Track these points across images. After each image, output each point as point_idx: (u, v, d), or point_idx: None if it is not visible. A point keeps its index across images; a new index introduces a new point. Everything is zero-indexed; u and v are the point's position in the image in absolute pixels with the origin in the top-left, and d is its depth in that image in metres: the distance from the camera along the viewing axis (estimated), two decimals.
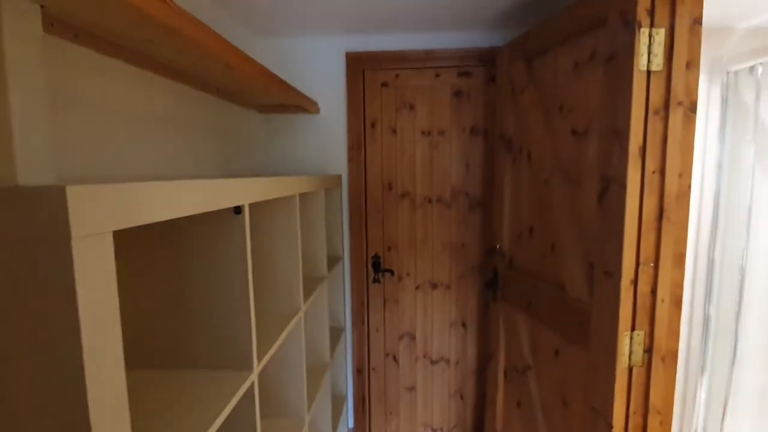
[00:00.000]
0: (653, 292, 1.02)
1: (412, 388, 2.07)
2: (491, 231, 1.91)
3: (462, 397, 2.06)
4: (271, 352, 0.91)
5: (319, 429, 1.59)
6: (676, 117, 0.96)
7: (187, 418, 0.66)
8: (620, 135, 1.00)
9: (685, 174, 0.98)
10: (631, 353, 1.03)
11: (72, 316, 0.38)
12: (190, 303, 0.80)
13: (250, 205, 1.10)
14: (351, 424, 2.10)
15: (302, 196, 1.54)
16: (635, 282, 1.02)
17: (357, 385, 2.06)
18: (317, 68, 1.90)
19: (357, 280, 2.00)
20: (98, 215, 0.41)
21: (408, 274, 2.00)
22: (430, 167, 1.94)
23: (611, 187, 1.04)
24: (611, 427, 1.05)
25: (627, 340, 1.03)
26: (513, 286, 1.57)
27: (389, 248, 1.99)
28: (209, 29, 0.91)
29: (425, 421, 2.08)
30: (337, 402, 1.96)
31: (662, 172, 0.98)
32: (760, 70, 1.52)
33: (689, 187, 0.99)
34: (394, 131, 1.93)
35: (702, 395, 1.72)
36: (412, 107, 1.91)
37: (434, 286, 2.00)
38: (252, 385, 0.81)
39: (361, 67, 1.89)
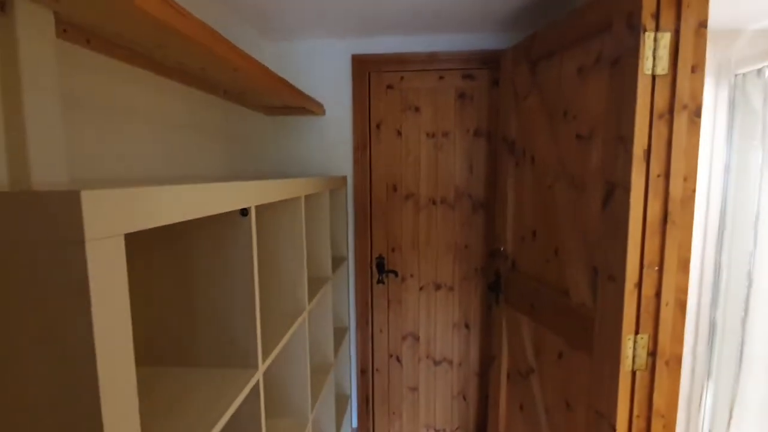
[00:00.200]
0: (657, 295, 1.02)
1: (415, 389, 2.08)
2: (494, 233, 1.91)
3: (465, 399, 2.06)
4: (276, 351, 0.92)
5: (323, 428, 1.61)
6: (680, 121, 0.96)
7: (193, 414, 0.67)
8: (625, 139, 1.00)
9: (690, 178, 0.98)
10: (634, 357, 1.03)
11: (85, 316, 0.40)
12: (197, 302, 0.81)
13: (257, 206, 1.12)
14: (355, 424, 2.11)
15: (307, 197, 1.55)
16: (639, 285, 1.02)
17: (361, 385, 2.07)
18: (323, 70, 1.92)
19: (361, 280, 2.01)
20: (111, 219, 0.42)
21: (412, 276, 2.01)
22: (434, 169, 1.95)
23: (615, 191, 1.04)
24: (615, 431, 1.05)
25: (631, 344, 1.03)
26: (516, 289, 1.57)
27: (393, 249, 2.00)
28: (219, 35, 0.93)
29: (428, 421, 2.09)
30: (341, 402, 1.97)
31: (667, 176, 0.98)
32: (767, 72, 1.51)
33: (694, 191, 0.99)
34: (399, 133, 1.94)
35: (708, 400, 1.71)
36: (416, 109, 1.92)
37: (438, 287, 2.01)
38: (257, 384, 0.83)
39: (366, 70, 1.90)
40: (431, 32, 1.82)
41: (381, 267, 2.01)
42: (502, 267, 1.68)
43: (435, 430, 2.09)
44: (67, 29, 0.77)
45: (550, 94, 1.35)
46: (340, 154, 1.96)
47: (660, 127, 0.97)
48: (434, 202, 1.96)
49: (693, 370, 1.71)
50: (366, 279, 2.01)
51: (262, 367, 0.84)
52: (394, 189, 1.97)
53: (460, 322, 2.02)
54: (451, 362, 2.05)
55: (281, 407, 1.21)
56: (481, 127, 1.90)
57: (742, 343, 1.61)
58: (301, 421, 1.20)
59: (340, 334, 1.91)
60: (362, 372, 2.06)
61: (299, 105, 1.67)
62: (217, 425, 0.65)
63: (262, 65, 1.19)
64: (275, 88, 1.34)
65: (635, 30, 0.96)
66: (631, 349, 1.03)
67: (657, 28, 0.95)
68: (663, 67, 0.95)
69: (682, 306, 1.02)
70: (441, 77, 1.89)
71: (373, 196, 1.98)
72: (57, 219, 0.38)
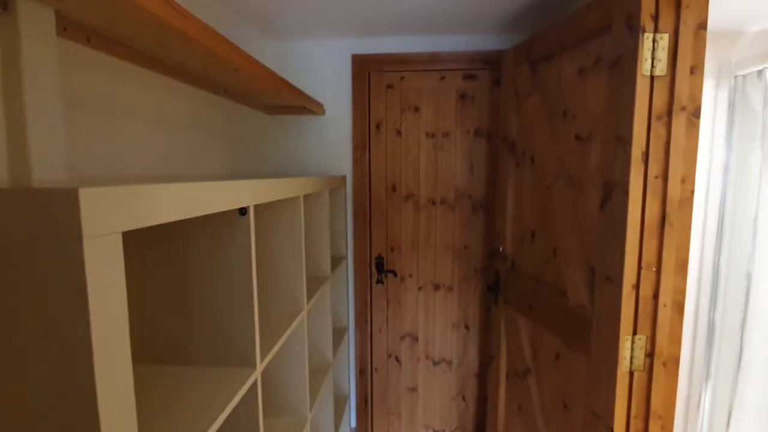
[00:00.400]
0: (655, 296, 1.02)
1: (414, 389, 2.08)
2: (494, 233, 1.91)
3: (464, 399, 2.06)
4: (274, 350, 0.93)
5: (321, 428, 1.61)
6: (679, 122, 0.96)
7: (190, 413, 0.67)
8: (623, 140, 1.00)
9: (688, 179, 0.98)
10: (632, 357, 1.03)
11: (83, 313, 0.40)
12: (195, 301, 0.81)
13: (255, 205, 1.12)
14: (353, 424, 2.11)
15: (306, 196, 1.55)
16: (637, 287, 1.02)
17: (359, 385, 2.07)
18: (324, 70, 1.92)
19: (360, 280, 2.01)
20: (109, 216, 0.42)
21: (411, 276, 2.01)
22: (434, 169, 1.95)
23: (614, 193, 1.04)
24: None
25: (628, 344, 1.03)
26: (515, 289, 1.57)
27: (392, 249, 2.00)
28: (221, 36, 0.93)
29: (427, 422, 2.09)
30: (340, 402, 1.97)
31: (665, 178, 0.98)
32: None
33: (692, 192, 0.99)
34: (399, 133, 1.94)
35: (706, 402, 1.71)
36: (417, 109, 1.92)
37: (437, 287, 2.01)
38: (255, 383, 0.83)
39: (366, 69, 1.90)
40: (433, 33, 1.82)
41: (380, 267, 2.01)
42: (502, 267, 1.68)
43: (434, 430, 2.09)
44: (67, 27, 0.77)
45: (550, 94, 1.35)
46: (340, 154, 1.97)
47: (658, 129, 0.97)
48: (434, 203, 1.96)
49: (691, 372, 1.71)
50: (365, 279, 2.01)
51: (260, 367, 0.84)
52: (394, 189, 1.97)
53: (459, 322, 2.02)
54: (450, 362, 2.05)
55: (279, 407, 1.21)
56: (481, 128, 1.90)
57: (741, 345, 1.61)
58: (300, 421, 1.21)
59: (338, 333, 1.91)
60: (361, 372, 2.06)
61: (299, 104, 1.68)
62: (215, 424, 0.65)
63: (263, 65, 1.19)
64: (276, 88, 1.34)
65: (634, 31, 0.96)
66: (629, 350, 1.03)
67: (656, 29, 0.95)
68: (662, 68, 0.95)
69: (679, 307, 1.02)
70: (442, 77, 1.89)
71: (372, 196, 1.98)
72: (55, 216, 0.39)
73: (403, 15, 1.61)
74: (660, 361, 1.03)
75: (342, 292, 1.96)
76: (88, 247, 0.39)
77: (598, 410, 1.11)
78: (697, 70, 0.96)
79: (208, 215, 0.79)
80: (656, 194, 0.99)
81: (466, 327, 2.02)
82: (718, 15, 1.43)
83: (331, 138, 1.96)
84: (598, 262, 1.10)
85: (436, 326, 2.04)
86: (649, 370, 1.04)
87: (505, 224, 1.65)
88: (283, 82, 1.36)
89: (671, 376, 1.04)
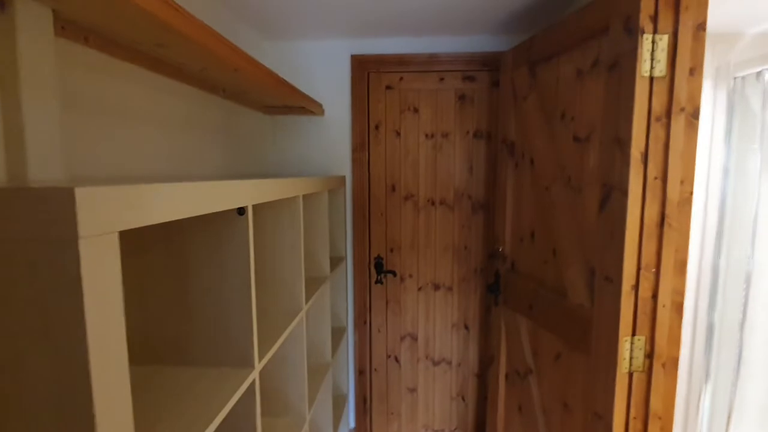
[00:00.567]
0: (654, 297, 1.02)
1: (413, 390, 2.08)
2: (494, 234, 1.91)
3: (464, 399, 2.06)
4: (273, 350, 0.92)
5: (320, 428, 1.60)
6: (678, 123, 0.96)
7: (188, 414, 0.67)
8: (622, 141, 1.00)
9: (688, 181, 0.98)
10: (631, 358, 1.03)
11: (78, 313, 0.40)
12: (193, 301, 0.81)
13: (254, 205, 1.12)
14: (352, 425, 2.11)
15: (306, 196, 1.55)
16: (636, 287, 1.02)
17: (358, 385, 2.07)
18: (323, 70, 1.92)
19: (359, 280, 2.01)
20: (105, 216, 0.42)
21: (410, 276, 2.01)
22: (433, 170, 1.95)
23: (613, 194, 1.04)
24: None
25: (628, 345, 1.03)
26: (515, 290, 1.57)
27: (392, 250, 2.00)
28: (220, 35, 0.93)
29: (426, 422, 2.09)
30: (339, 402, 1.97)
31: (664, 179, 0.98)
32: (767, 76, 1.51)
33: (691, 193, 0.99)
34: (398, 133, 1.94)
35: (706, 403, 1.71)
36: (416, 110, 1.92)
37: (436, 287, 2.01)
38: (253, 383, 0.83)
39: (366, 70, 1.90)
40: (432, 34, 1.82)
41: (379, 267, 2.01)
42: (501, 268, 1.68)
43: (433, 430, 2.09)
44: (65, 27, 0.77)
45: (549, 96, 1.35)
46: (339, 154, 1.97)
47: (657, 130, 0.97)
48: (433, 203, 1.96)
49: (691, 373, 1.70)
50: (364, 279, 2.01)
51: (258, 366, 0.84)
52: (393, 189, 1.97)
53: (459, 322, 2.02)
54: (449, 363, 2.05)
55: (278, 407, 1.21)
56: (481, 129, 1.91)
57: (741, 347, 1.61)
58: (298, 421, 1.20)
59: (338, 333, 1.90)
60: (360, 372, 2.06)
61: (298, 105, 1.68)
62: (212, 424, 0.65)
63: (262, 65, 1.19)
64: (275, 88, 1.34)
65: (633, 32, 0.96)
66: (628, 350, 1.03)
67: (655, 31, 0.95)
68: (661, 69, 0.95)
69: (679, 308, 1.02)
70: (441, 78, 1.89)
71: (371, 197, 1.98)
72: (51, 215, 0.38)
73: (403, 16, 1.61)
74: (659, 362, 1.03)
75: (341, 292, 1.96)
76: (84, 247, 0.39)
77: (598, 410, 1.10)
78: (696, 71, 0.96)
79: (206, 215, 0.79)
80: (655, 195, 0.99)
81: (466, 327, 2.02)
82: (717, 17, 1.43)
83: (331, 138, 1.96)
84: (598, 263, 1.10)
85: (436, 326, 2.03)
86: (649, 370, 1.03)
87: (504, 225, 1.65)
88: (282, 82, 1.36)
89: (670, 377, 1.04)
